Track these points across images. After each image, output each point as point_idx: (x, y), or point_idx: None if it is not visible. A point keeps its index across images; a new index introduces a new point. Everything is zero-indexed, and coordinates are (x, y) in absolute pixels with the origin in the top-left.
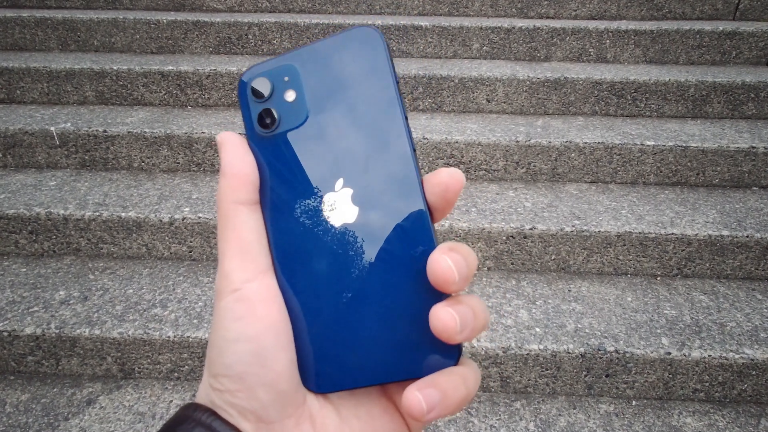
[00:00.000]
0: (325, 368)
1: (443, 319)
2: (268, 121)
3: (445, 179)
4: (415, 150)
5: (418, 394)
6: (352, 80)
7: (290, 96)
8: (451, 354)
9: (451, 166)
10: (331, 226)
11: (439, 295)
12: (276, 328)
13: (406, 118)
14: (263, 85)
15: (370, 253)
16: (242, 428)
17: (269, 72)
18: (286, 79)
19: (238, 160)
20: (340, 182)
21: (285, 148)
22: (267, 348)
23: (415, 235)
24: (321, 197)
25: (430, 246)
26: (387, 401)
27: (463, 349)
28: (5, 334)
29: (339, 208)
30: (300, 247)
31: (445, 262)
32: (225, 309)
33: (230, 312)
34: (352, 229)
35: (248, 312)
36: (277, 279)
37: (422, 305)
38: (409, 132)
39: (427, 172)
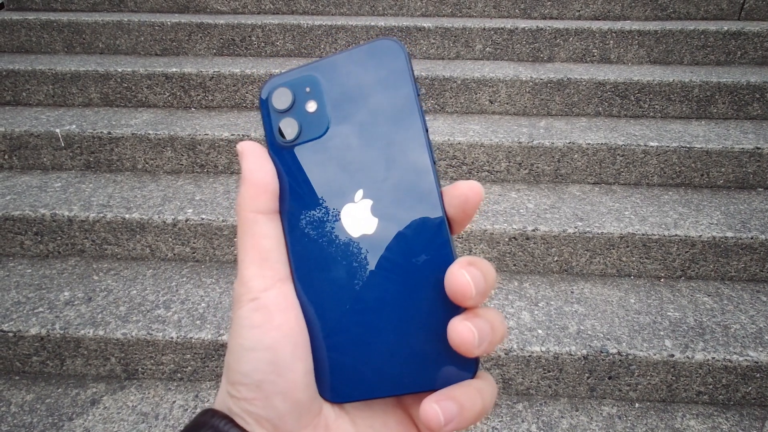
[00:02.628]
0: (341, 378)
1: (461, 332)
2: (289, 131)
3: (464, 191)
4: (435, 162)
5: (435, 407)
6: (374, 92)
7: (311, 107)
8: (469, 367)
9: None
10: (350, 237)
11: (458, 309)
12: (293, 337)
13: (427, 130)
14: (284, 96)
15: (389, 265)
16: None
17: (290, 82)
18: (308, 90)
19: (258, 169)
20: (359, 193)
21: (305, 159)
22: (284, 357)
23: (434, 247)
24: (340, 208)
25: (449, 259)
26: (402, 413)
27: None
28: (10, 334)
29: (358, 219)
30: (318, 257)
31: (463, 277)
32: (242, 317)
33: (248, 320)
34: (370, 240)
35: (265, 321)
36: (295, 288)
37: (440, 318)
38: (430, 145)
39: None
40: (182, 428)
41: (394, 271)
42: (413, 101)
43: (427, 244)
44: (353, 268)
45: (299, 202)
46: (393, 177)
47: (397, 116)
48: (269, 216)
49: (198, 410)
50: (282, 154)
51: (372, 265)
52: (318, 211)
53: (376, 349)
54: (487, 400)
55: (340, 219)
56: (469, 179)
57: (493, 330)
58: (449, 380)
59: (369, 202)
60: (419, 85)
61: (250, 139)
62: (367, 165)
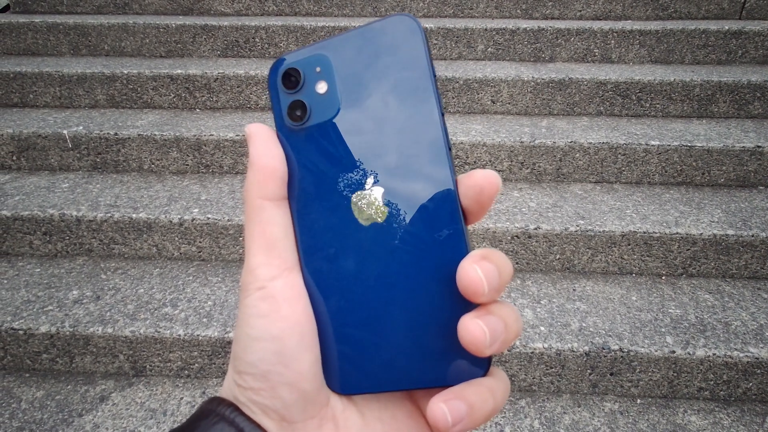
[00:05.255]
0: (349, 370)
1: (472, 331)
2: (298, 113)
3: (479, 182)
4: (450, 149)
5: (443, 407)
6: (387, 72)
7: (322, 87)
8: (481, 364)
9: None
10: (360, 225)
11: (470, 304)
12: (300, 327)
13: (443, 114)
14: (294, 76)
15: (400, 256)
16: (265, 426)
17: (300, 61)
18: (318, 69)
19: (266, 153)
20: (370, 180)
21: (315, 142)
22: (291, 347)
23: (447, 239)
24: (350, 195)
25: (462, 252)
26: (412, 405)
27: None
28: (21, 332)
29: (369, 207)
30: (327, 245)
31: (475, 272)
32: (250, 306)
33: (255, 309)
34: (381, 229)
35: (273, 310)
36: (303, 277)
37: (452, 313)
38: (446, 130)
39: None
40: (189, 416)
41: (405, 262)
42: (429, 83)
43: (439, 236)
44: (363, 258)
45: (308, 188)
46: (406, 164)
47: (411, 99)
48: (277, 203)
49: None
50: (291, 136)
51: (383, 256)
52: (327, 197)
53: (385, 341)
54: (499, 399)
55: (350, 206)
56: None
57: (507, 328)
58: (460, 377)
59: (380, 190)
60: (434, 65)
61: None
62: (379, 150)
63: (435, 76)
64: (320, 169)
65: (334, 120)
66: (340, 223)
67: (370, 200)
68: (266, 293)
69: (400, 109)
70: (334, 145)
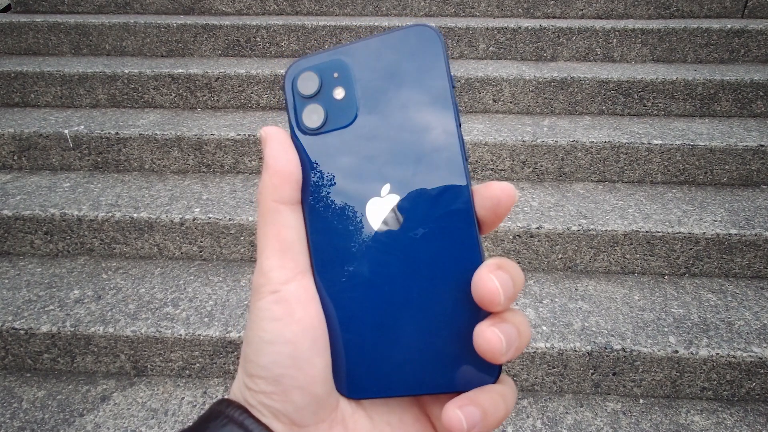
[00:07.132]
0: (360, 374)
1: (489, 339)
2: (314, 118)
3: (497, 193)
4: (467, 159)
5: (458, 412)
6: (406, 82)
7: (339, 93)
8: (492, 371)
9: None
10: (375, 232)
11: (483, 311)
12: (313, 330)
13: (460, 125)
14: (311, 80)
15: (413, 263)
16: (274, 428)
17: (318, 66)
18: (336, 75)
19: (282, 156)
20: (386, 188)
21: (330, 148)
22: (303, 351)
23: (462, 248)
24: (365, 202)
25: (477, 261)
26: (419, 410)
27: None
28: (22, 332)
29: (383, 214)
30: (340, 251)
31: (492, 282)
32: (263, 309)
33: (268, 312)
34: (396, 236)
35: (286, 314)
36: (315, 281)
37: (465, 320)
38: (462, 141)
39: None
40: (197, 417)
41: (418, 269)
42: (448, 94)
43: (454, 245)
44: (376, 264)
45: (322, 194)
46: (422, 173)
47: (429, 109)
48: (291, 207)
49: (207, 406)
50: (306, 141)
51: (396, 262)
52: (342, 203)
53: (396, 347)
54: (509, 404)
55: (364, 213)
56: (485, 179)
57: (520, 335)
58: (471, 383)
59: (396, 198)
60: (453, 77)
61: (255, 138)
62: (396, 159)
63: (453, 86)
64: (335, 174)
65: (351, 126)
66: (354, 229)
67: (385, 208)
68: (280, 297)
69: (418, 119)
70: (351, 152)
